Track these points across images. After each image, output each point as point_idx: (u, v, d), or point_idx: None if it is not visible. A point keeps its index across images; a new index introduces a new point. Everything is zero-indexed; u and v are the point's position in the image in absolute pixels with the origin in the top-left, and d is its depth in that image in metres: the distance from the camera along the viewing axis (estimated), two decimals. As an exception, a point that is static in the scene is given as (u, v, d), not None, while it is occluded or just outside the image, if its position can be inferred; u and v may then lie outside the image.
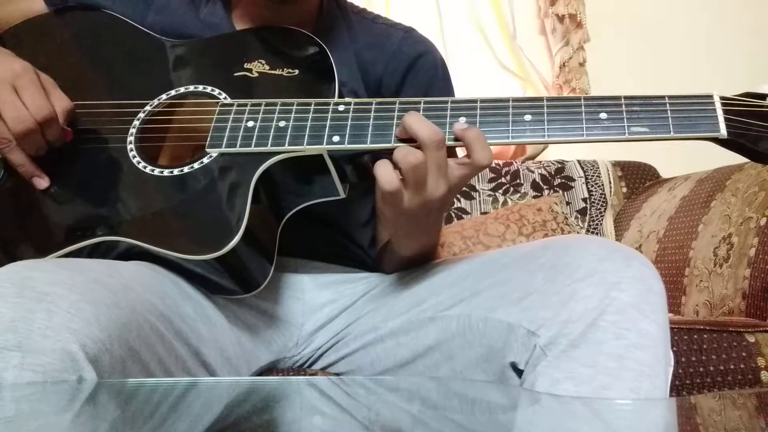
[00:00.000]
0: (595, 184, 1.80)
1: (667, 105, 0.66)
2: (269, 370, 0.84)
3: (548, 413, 0.50)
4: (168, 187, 0.72)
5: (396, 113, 0.70)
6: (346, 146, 0.70)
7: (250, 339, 0.80)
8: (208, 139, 0.74)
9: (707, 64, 2.08)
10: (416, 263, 0.83)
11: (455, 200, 1.74)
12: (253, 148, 0.72)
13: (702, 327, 1.02)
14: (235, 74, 0.80)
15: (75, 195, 0.74)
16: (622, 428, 0.46)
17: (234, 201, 0.69)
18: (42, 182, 0.74)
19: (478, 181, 1.79)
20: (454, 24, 2.10)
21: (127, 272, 0.66)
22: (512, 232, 1.61)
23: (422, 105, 0.70)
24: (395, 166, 0.66)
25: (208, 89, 0.80)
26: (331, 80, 0.77)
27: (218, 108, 0.76)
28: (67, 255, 0.71)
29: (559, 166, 1.83)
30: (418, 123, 0.66)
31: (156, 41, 0.86)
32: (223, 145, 0.73)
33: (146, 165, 0.75)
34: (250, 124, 0.73)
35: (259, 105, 0.74)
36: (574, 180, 1.80)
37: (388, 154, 0.68)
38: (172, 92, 0.81)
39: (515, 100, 0.69)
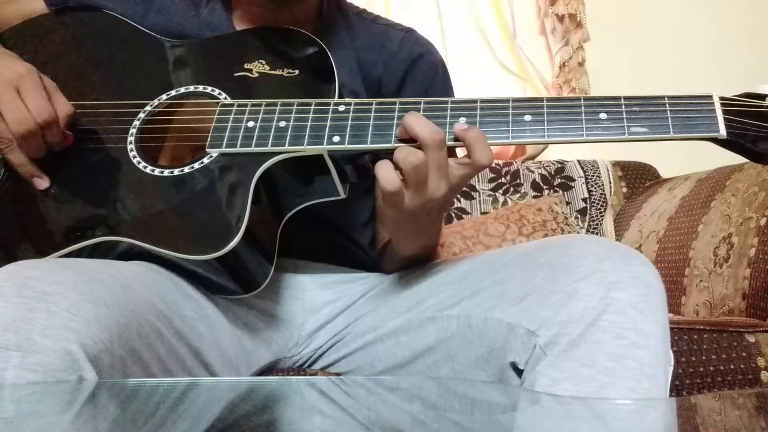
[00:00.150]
0: (595, 184, 1.80)
1: (667, 105, 0.66)
2: (269, 370, 0.84)
3: (548, 413, 0.50)
4: (168, 187, 0.73)
5: (396, 113, 0.70)
6: (347, 146, 0.70)
7: (250, 339, 0.80)
8: (209, 139, 0.74)
9: (707, 64, 2.08)
10: (417, 263, 0.83)
11: (455, 200, 1.74)
12: (253, 149, 0.72)
13: (702, 327, 1.02)
14: (236, 74, 0.80)
15: (75, 195, 0.74)
16: (622, 428, 0.46)
17: (234, 201, 0.69)
18: (42, 182, 0.74)
19: (478, 181, 1.79)
20: (454, 24, 2.10)
21: (127, 272, 0.66)
22: (512, 232, 1.61)
23: (422, 105, 0.70)
24: (396, 166, 0.66)
25: (209, 89, 0.80)
26: (331, 80, 0.77)
27: (218, 108, 0.76)
28: (67, 255, 0.71)
29: (559, 166, 1.83)
30: (418, 123, 0.66)
31: (156, 41, 0.86)
32: (224, 146, 0.73)
33: (146, 165, 0.75)
34: (251, 124, 0.73)
35: (260, 105, 0.74)
36: (574, 180, 1.80)
37: (388, 154, 0.68)
38: (173, 92, 0.81)
39: (515, 100, 0.69)
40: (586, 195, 1.78)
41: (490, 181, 1.79)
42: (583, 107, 0.67)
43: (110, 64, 0.85)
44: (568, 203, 1.77)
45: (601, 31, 2.07)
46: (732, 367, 0.99)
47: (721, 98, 0.66)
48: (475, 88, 2.02)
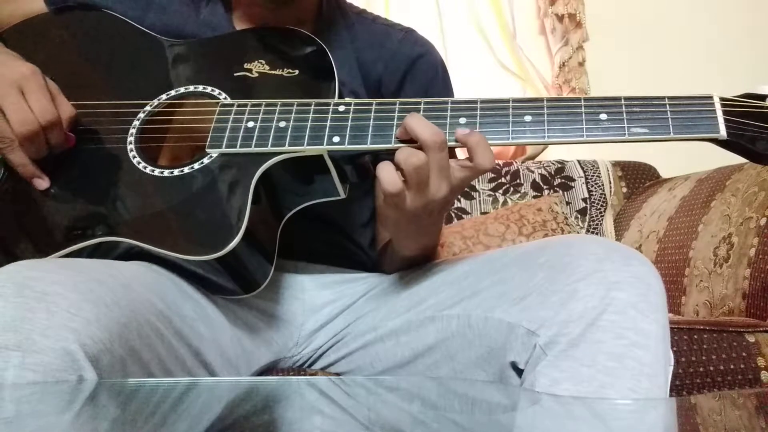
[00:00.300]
0: (595, 184, 1.80)
1: (667, 106, 0.66)
2: (269, 370, 0.84)
3: (548, 413, 0.50)
4: (168, 187, 0.72)
5: (396, 114, 0.70)
6: (346, 147, 0.70)
7: (250, 339, 0.80)
8: (208, 139, 0.74)
9: (707, 64, 2.08)
10: (417, 263, 0.83)
11: (455, 200, 1.74)
12: (253, 149, 0.72)
13: (702, 327, 1.02)
14: (235, 74, 0.80)
15: (75, 195, 0.74)
16: (622, 428, 0.46)
17: (234, 201, 0.69)
18: (42, 183, 0.74)
19: (478, 181, 1.79)
20: (454, 24, 2.10)
21: (127, 272, 0.66)
22: (512, 232, 1.61)
23: (422, 105, 0.70)
24: (397, 167, 0.66)
25: (208, 89, 0.80)
26: (331, 80, 0.77)
27: (218, 108, 0.76)
28: (67, 255, 0.71)
29: (559, 166, 1.83)
30: (419, 125, 0.66)
31: (156, 41, 0.86)
32: (223, 146, 0.73)
33: (146, 165, 0.75)
34: (250, 124, 0.73)
35: (259, 105, 0.74)
36: (574, 180, 1.80)
37: (388, 154, 0.68)
38: (172, 92, 0.81)
39: (515, 100, 0.69)
40: (586, 195, 1.78)
41: (490, 181, 1.79)
42: (583, 108, 0.67)
43: (110, 64, 0.85)
44: (568, 203, 1.77)
45: (601, 31, 2.07)
46: (732, 367, 0.99)
47: (722, 99, 0.66)
48: (475, 88, 2.02)
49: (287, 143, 0.71)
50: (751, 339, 1.01)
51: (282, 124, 0.72)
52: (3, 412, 0.47)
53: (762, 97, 0.66)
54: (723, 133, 0.64)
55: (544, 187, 1.79)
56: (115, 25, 0.88)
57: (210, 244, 0.67)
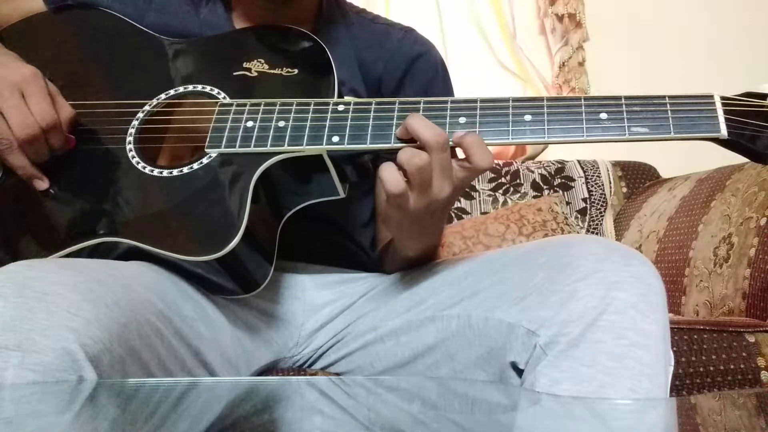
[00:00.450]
0: (595, 184, 1.80)
1: (668, 105, 0.66)
2: (269, 370, 0.84)
3: (548, 413, 0.50)
4: (167, 187, 0.72)
5: (395, 113, 0.70)
6: (346, 147, 0.70)
7: (250, 339, 0.80)
8: (207, 139, 0.74)
9: (707, 63, 2.08)
10: (419, 263, 0.83)
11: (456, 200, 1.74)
12: (252, 149, 0.72)
13: (702, 327, 1.02)
14: (235, 73, 0.80)
15: (74, 196, 0.74)
16: (622, 428, 0.46)
17: (233, 201, 0.69)
18: (41, 183, 0.74)
19: (478, 181, 1.79)
20: (454, 24, 2.10)
21: (127, 272, 0.66)
22: (512, 232, 1.61)
23: (422, 105, 0.70)
24: (399, 167, 0.66)
25: (207, 89, 0.79)
26: (331, 79, 0.77)
27: (217, 108, 0.76)
28: (67, 256, 0.71)
29: (559, 166, 1.83)
30: (421, 125, 0.66)
31: (155, 40, 0.86)
32: (223, 146, 0.73)
33: (145, 165, 0.75)
34: (250, 124, 0.73)
35: (259, 105, 0.74)
36: (574, 180, 1.80)
37: (388, 154, 0.68)
38: (171, 92, 0.80)
39: (515, 100, 0.69)
40: (586, 195, 1.78)
41: (490, 181, 1.79)
42: (583, 107, 0.67)
43: (108, 63, 0.85)
44: (568, 203, 1.77)
45: (601, 30, 2.07)
46: (732, 367, 0.99)
47: (722, 98, 0.65)
48: (475, 88, 2.02)
49: (286, 143, 0.71)
50: (751, 339, 1.01)
51: (281, 123, 0.72)
52: (3, 412, 0.46)
53: (763, 96, 0.65)
54: (724, 132, 0.64)
55: (544, 187, 1.79)
56: (114, 24, 0.88)
57: (210, 245, 0.67)
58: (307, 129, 0.71)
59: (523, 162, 1.88)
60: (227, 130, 0.73)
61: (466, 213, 1.75)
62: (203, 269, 0.71)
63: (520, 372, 0.63)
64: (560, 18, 2.05)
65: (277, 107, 0.73)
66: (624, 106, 0.66)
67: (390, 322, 0.77)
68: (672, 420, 0.50)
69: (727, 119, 0.65)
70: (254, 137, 0.72)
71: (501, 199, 1.77)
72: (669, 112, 0.65)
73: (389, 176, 0.66)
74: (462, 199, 1.76)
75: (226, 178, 0.71)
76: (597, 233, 1.73)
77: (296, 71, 0.79)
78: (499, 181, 1.79)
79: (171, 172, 0.73)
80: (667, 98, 0.66)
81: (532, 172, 1.81)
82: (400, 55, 0.91)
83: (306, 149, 0.71)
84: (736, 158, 0.68)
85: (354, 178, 0.86)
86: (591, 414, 0.49)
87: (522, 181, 1.79)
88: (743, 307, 1.14)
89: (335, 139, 0.70)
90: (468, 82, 1.97)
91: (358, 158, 0.87)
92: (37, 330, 0.52)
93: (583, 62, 2.05)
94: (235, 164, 0.72)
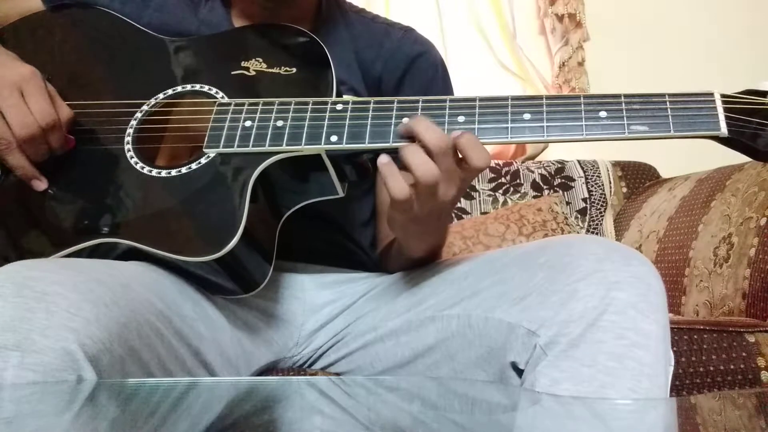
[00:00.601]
0: (595, 184, 1.80)
1: (668, 103, 0.65)
2: (269, 370, 0.84)
3: (548, 413, 0.50)
4: (166, 187, 0.72)
5: (394, 112, 0.70)
6: (344, 146, 0.70)
7: (250, 339, 0.80)
8: (206, 139, 0.74)
9: (707, 64, 2.08)
10: (423, 263, 0.83)
11: (456, 200, 1.73)
12: (250, 148, 0.72)
13: (702, 327, 1.02)
14: (233, 73, 0.80)
15: (73, 196, 0.74)
16: (622, 428, 0.46)
17: (232, 201, 0.69)
18: (40, 184, 0.74)
19: (478, 181, 1.79)
20: (454, 24, 2.10)
21: (126, 272, 0.66)
22: (512, 232, 1.61)
23: (421, 104, 0.70)
24: (403, 165, 0.65)
25: (206, 88, 0.79)
26: (329, 78, 0.77)
27: (215, 107, 0.75)
28: (66, 256, 0.70)
29: (559, 166, 1.83)
30: (423, 128, 0.65)
31: (153, 39, 0.86)
32: (221, 145, 0.73)
33: (144, 165, 0.74)
34: (248, 123, 0.73)
35: (257, 104, 0.74)
36: (574, 180, 1.80)
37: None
38: (170, 91, 0.80)
39: (514, 98, 0.69)
40: (586, 195, 1.78)
41: (490, 181, 1.79)
42: (582, 106, 0.67)
43: (106, 63, 0.85)
44: (568, 203, 1.77)
45: (601, 30, 2.07)
46: (732, 367, 0.99)
47: (722, 95, 0.65)
48: (475, 88, 2.02)
49: (285, 142, 0.71)
50: (751, 339, 1.01)
51: (279, 123, 0.72)
52: (2, 412, 0.46)
53: (763, 93, 0.65)
54: (724, 130, 0.64)
55: (544, 187, 1.79)
56: (112, 23, 0.87)
57: (209, 245, 0.67)
58: (306, 128, 0.71)
59: (523, 162, 1.88)
60: (225, 130, 0.73)
61: (466, 213, 1.75)
62: (203, 269, 0.71)
63: (520, 372, 0.63)
64: (560, 18, 2.05)
65: (276, 106, 0.73)
66: (623, 104, 0.66)
67: (390, 322, 0.77)
68: (672, 420, 0.50)
69: (727, 117, 0.64)
70: (252, 137, 0.72)
71: (501, 199, 1.77)
72: (669, 110, 0.65)
73: (394, 183, 0.65)
74: (462, 199, 1.76)
75: (224, 178, 0.71)
76: (597, 233, 1.73)
77: (294, 70, 0.79)
78: (499, 181, 1.79)
79: (169, 172, 0.73)
80: (666, 96, 0.66)
81: (532, 172, 1.81)
82: (399, 54, 0.90)
83: (304, 149, 0.71)
84: (736, 158, 0.68)
85: (353, 177, 0.86)
86: (591, 414, 0.49)
87: (522, 181, 1.79)
88: (743, 307, 1.14)
89: (334, 138, 0.70)
90: (468, 82, 1.97)
91: (357, 157, 0.87)
92: (37, 330, 0.52)
93: (583, 62, 2.05)
94: (234, 164, 0.72)
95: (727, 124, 0.64)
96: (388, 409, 0.51)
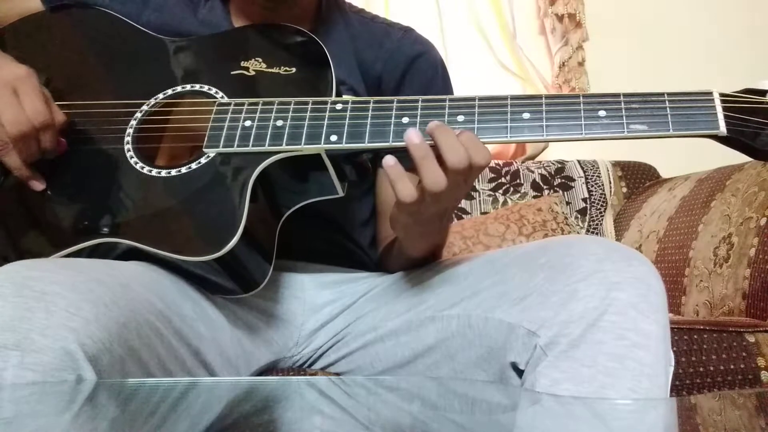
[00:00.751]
0: (595, 184, 1.80)
1: (667, 102, 0.65)
2: (269, 370, 0.84)
3: (548, 413, 0.50)
4: (165, 187, 0.72)
5: (394, 112, 0.70)
6: (344, 146, 0.70)
7: (249, 339, 0.80)
8: (206, 138, 0.74)
9: (707, 64, 2.08)
10: (424, 263, 0.83)
11: (455, 200, 1.73)
12: (250, 148, 0.72)
13: (702, 327, 1.02)
14: (232, 73, 0.80)
15: (73, 196, 0.74)
16: (622, 428, 0.46)
17: (232, 201, 0.69)
18: (39, 185, 0.74)
19: (478, 181, 1.79)
20: (454, 24, 2.10)
21: (126, 272, 0.66)
22: (512, 232, 1.61)
23: (420, 103, 0.70)
24: (411, 168, 0.65)
25: (205, 88, 0.79)
26: (329, 78, 0.77)
27: (215, 107, 0.75)
28: (66, 256, 0.70)
29: (559, 166, 1.83)
30: (450, 148, 0.63)
31: (152, 40, 0.86)
32: (221, 145, 0.73)
33: (144, 165, 0.74)
34: (248, 123, 0.73)
35: (257, 104, 0.74)
36: (574, 180, 1.80)
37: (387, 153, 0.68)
38: (169, 91, 0.80)
39: (513, 98, 0.69)
40: (586, 195, 1.78)
41: (490, 181, 1.79)
42: (582, 105, 0.67)
43: (106, 63, 0.85)
44: (568, 203, 1.77)
45: (601, 30, 2.07)
46: (732, 367, 0.99)
47: (721, 94, 0.65)
48: (475, 88, 2.02)
49: (284, 142, 0.71)
50: (751, 339, 1.01)
51: (279, 123, 0.72)
52: (2, 412, 0.46)
53: (762, 92, 0.65)
54: (723, 129, 0.64)
55: (544, 187, 1.79)
56: (112, 23, 0.87)
57: (208, 244, 0.67)
58: (305, 128, 0.71)
59: (523, 162, 1.88)
60: (225, 130, 0.73)
61: (466, 213, 1.75)
62: (202, 269, 0.71)
63: (520, 372, 0.63)
64: (560, 18, 2.05)
65: (275, 106, 0.73)
66: (623, 103, 0.66)
67: (390, 322, 0.77)
68: (672, 420, 0.50)
69: (726, 116, 0.64)
70: (252, 136, 0.72)
71: (501, 199, 1.77)
72: (668, 109, 0.65)
73: (402, 187, 0.64)
74: (462, 199, 1.76)
75: (224, 177, 0.71)
76: (597, 233, 1.73)
77: (294, 70, 0.79)
78: (499, 181, 1.79)
79: (169, 172, 0.73)
80: (665, 95, 0.66)
81: (532, 172, 1.81)
82: (399, 54, 0.90)
83: (304, 148, 0.71)
84: (736, 158, 0.68)
85: (353, 177, 0.86)
86: (591, 414, 0.49)
87: (522, 181, 1.79)
88: (743, 307, 1.14)
89: (333, 138, 0.70)
90: (468, 82, 1.97)
91: (357, 157, 0.87)
92: (36, 329, 0.52)
93: (583, 62, 2.05)
94: (234, 164, 0.72)
95: (726, 123, 0.64)
96: (388, 409, 0.51)
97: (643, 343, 0.58)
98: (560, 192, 1.78)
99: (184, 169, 0.73)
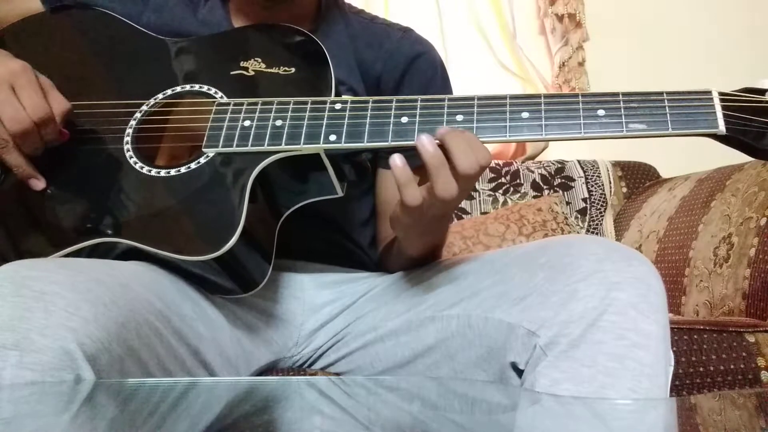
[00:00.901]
0: (595, 184, 1.80)
1: (666, 101, 0.65)
2: (269, 370, 0.84)
3: (548, 413, 0.50)
4: (165, 187, 0.72)
5: (393, 111, 0.70)
6: (343, 145, 0.70)
7: (249, 338, 0.80)
8: (205, 138, 0.74)
9: (707, 64, 2.07)
10: (424, 262, 0.83)
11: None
12: (249, 148, 0.72)
13: (702, 327, 1.02)
14: (232, 73, 0.80)
15: (72, 196, 0.74)
16: (622, 428, 0.46)
17: (231, 201, 0.69)
18: (39, 184, 0.74)
19: (478, 181, 1.78)
20: (454, 24, 2.09)
21: (126, 271, 0.65)
22: (512, 232, 1.61)
23: (419, 103, 0.70)
24: (417, 169, 0.65)
25: (205, 88, 0.79)
26: (328, 78, 0.77)
27: (214, 107, 0.75)
28: (66, 256, 0.70)
29: (559, 166, 1.83)
30: (462, 155, 0.63)
31: (152, 40, 0.86)
32: (220, 145, 0.73)
33: (143, 165, 0.74)
34: (247, 123, 0.73)
35: (256, 104, 0.74)
36: (574, 180, 1.80)
37: (387, 152, 0.68)
38: (169, 91, 0.80)
39: (512, 97, 0.69)
40: (586, 195, 1.78)
41: (490, 181, 1.79)
42: (581, 104, 0.67)
43: (106, 63, 0.85)
44: (568, 203, 1.77)
45: (601, 30, 2.06)
46: (732, 367, 0.99)
47: (720, 93, 0.65)
48: (475, 88, 2.01)
49: (284, 142, 0.71)
50: (751, 339, 1.01)
51: (278, 122, 0.72)
52: (1, 412, 0.46)
53: (761, 92, 0.65)
54: (722, 128, 0.64)
55: (544, 187, 1.79)
56: (112, 24, 0.88)
57: (207, 244, 0.67)
58: (305, 128, 0.71)
59: (523, 162, 1.88)
60: (224, 130, 0.73)
61: (466, 213, 1.75)
62: (202, 268, 0.71)
63: (520, 372, 0.63)
64: (560, 18, 2.05)
65: (275, 106, 0.73)
66: (621, 102, 0.66)
67: (390, 321, 0.77)
68: (672, 420, 0.50)
69: (725, 115, 0.64)
70: (251, 136, 0.72)
71: (501, 199, 1.77)
72: (667, 108, 0.65)
73: (409, 191, 0.64)
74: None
75: (223, 177, 0.71)
76: (597, 233, 1.73)
77: (293, 70, 0.79)
78: (499, 181, 1.79)
79: (169, 172, 0.73)
80: (664, 94, 0.66)
81: (532, 172, 1.81)
82: (399, 55, 0.90)
83: (303, 148, 0.71)
84: (736, 158, 0.68)
85: (352, 176, 0.86)
86: (591, 414, 0.49)
87: (522, 181, 1.79)
88: (743, 307, 1.14)
89: (332, 137, 0.70)
90: (468, 82, 1.97)
91: (356, 157, 0.87)
92: (35, 329, 0.52)
93: (583, 62, 2.05)
94: (233, 163, 0.72)
95: (725, 122, 0.64)
96: (388, 409, 0.51)
97: (643, 343, 0.58)
98: (560, 192, 1.78)
99: (183, 169, 0.73)
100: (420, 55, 0.91)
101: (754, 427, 0.46)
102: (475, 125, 0.68)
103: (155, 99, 0.80)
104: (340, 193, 0.77)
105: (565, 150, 2.01)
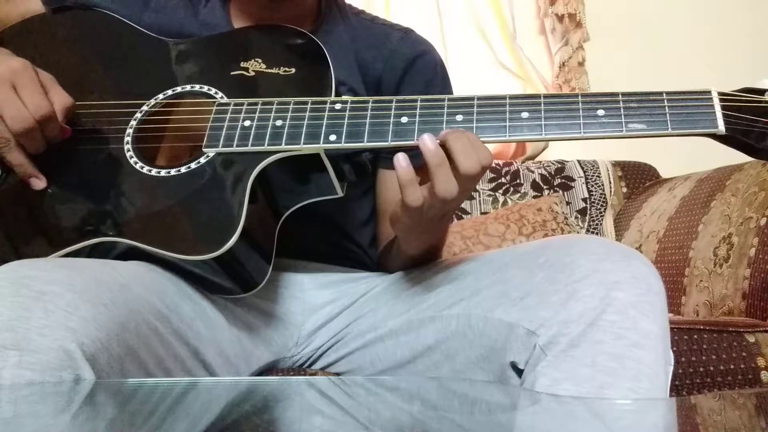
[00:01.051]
0: (595, 184, 1.80)
1: (665, 101, 0.66)
2: (269, 369, 0.84)
3: (548, 413, 0.50)
4: (165, 187, 0.72)
5: (393, 111, 0.70)
6: (343, 145, 0.70)
7: (249, 338, 0.80)
8: (205, 138, 0.74)
9: (707, 63, 2.08)
10: (423, 262, 0.83)
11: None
12: (249, 148, 0.72)
13: (702, 327, 1.02)
14: (232, 73, 0.80)
15: (73, 196, 0.74)
16: (622, 428, 0.46)
17: (231, 201, 0.69)
18: (39, 183, 0.74)
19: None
20: (454, 24, 2.10)
21: (125, 271, 0.65)
22: (512, 232, 1.61)
23: (419, 103, 0.70)
24: (419, 168, 0.65)
25: (205, 88, 0.79)
26: (328, 78, 0.77)
27: (215, 107, 0.76)
28: (65, 256, 0.70)
29: (559, 166, 1.83)
30: (461, 150, 0.63)
31: (152, 41, 0.86)
32: (220, 145, 0.73)
33: (143, 165, 0.74)
34: (247, 123, 0.73)
35: (256, 104, 0.74)
36: (574, 180, 1.80)
37: (386, 152, 0.68)
38: (169, 92, 0.80)
39: (512, 97, 0.69)
40: (586, 195, 1.78)
41: (490, 181, 1.79)
42: (580, 104, 0.67)
43: (106, 64, 0.85)
44: (568, 203, 1.77)
45: (601, 30, 2.06)
46: (732, 367, 0.99)
47: (720, 93, 0.65)
48: (475, 88, 2.01)
49: (284, 142, 0.71)
50: (751, 339, 1.01)
51: (278, 122, 0.72)
52: (1, 413, 0.46)
53: (761, 92, 0.65)
54: (721, 127, 0.64)
55: (544, 187, 1.79)
56: (112, 24, 0.88)
57: (207, 244, 0.67)
58: (305, 128, 0.71)
59: (523, 162, 1.88)
60: (224, 130, 0.73)
61: (466, 213, 1.75)
62: (202, 268, 0.71)
63: (520, 372, 0.63)
64: (560, 18, 2.05)
65: (275, 106, 0.73)
66: (621, 102, 0.66)
67: (390, 321, 0.77)
68: (672, 420, 0.50)
69: (724, 114, 0.64)
70: (252, 136, 0.72)
71: (501, 199, 1.77)
72: (666, 108, 0.65)
73: (411, 192, 0.64)
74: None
75: (223, 177, 0.71)
76: (597, 233, 1.73)
77: (294, 71, 0.79)
78: (499, 181, 1.79)
79: (169, 172, 0.73)
80: (664, 94, 0.66)
81: (532, 172, 1.81)
82: (399, 55, 0.90)
83: (303, 148, 0.71)
84: (736, 158, 0.68)
85: (352, 177, 0.86)
86: (591, 414, 0.49)
87: (522, 181, 1.79)
88: (743, 307, 1.14)
89: (333, 137, 0.70)
90: (468, 82, 1.97)
91: (356, 157, 0.87)
92: (35, 329, 0.52)
93: (583, 62, 2.05)
94: (233, 163, 0.72)
95: (725, 122, 0.64)
96: (388, 409, 0.51)
97: (643, 342, 0.58)
98: (560, 192, 1.78)
99: (183, 169, 0.73)
100: (420, 56, 0.91)
101: (754, 427, 0.46)
102: (474, 125, 0.68)
103: (156, 99, 0.80)
104: (340, 193, 0.77)
105: (565, 150, 2.01)
